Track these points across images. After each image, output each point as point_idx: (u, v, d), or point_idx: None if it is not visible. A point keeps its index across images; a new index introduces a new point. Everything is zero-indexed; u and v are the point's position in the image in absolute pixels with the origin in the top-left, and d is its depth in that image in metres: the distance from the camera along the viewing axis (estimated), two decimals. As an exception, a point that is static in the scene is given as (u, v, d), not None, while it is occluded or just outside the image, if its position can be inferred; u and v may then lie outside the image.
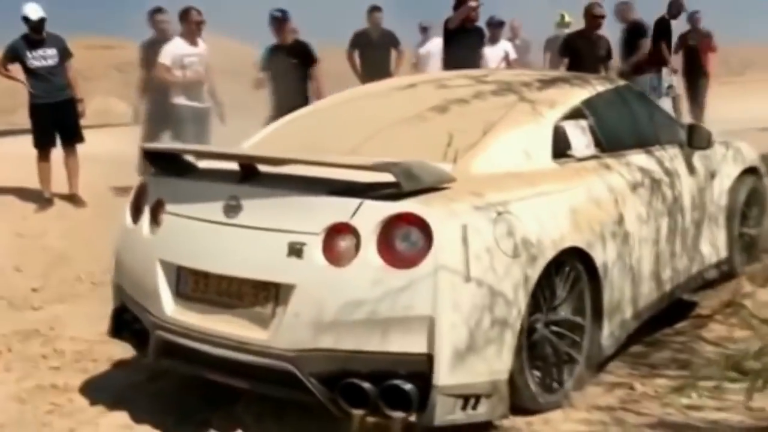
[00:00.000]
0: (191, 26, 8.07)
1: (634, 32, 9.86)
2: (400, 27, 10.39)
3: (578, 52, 8.61)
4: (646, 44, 9.71)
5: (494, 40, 10.01)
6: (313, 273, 3.18)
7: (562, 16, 10.68)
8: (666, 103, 10.11)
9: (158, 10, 8.37)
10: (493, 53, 9.89)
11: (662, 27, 10.76)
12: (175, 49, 8.03)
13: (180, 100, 8.01)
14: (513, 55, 10.09)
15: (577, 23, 10.06)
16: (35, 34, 7.77)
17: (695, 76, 11.15)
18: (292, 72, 8.08)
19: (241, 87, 8.63)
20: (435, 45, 10.71)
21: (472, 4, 8.32)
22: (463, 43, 8.37)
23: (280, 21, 8.24)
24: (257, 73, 8.40)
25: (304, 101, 7.85)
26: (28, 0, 7.75)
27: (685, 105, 11.02)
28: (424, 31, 10.76)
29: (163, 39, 8.28)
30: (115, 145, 8.73)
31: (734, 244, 5.24)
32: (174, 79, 7.96)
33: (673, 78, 10.64)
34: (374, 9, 9.82)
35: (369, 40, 9.76)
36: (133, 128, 8.72)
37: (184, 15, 8.10)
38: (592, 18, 8.70)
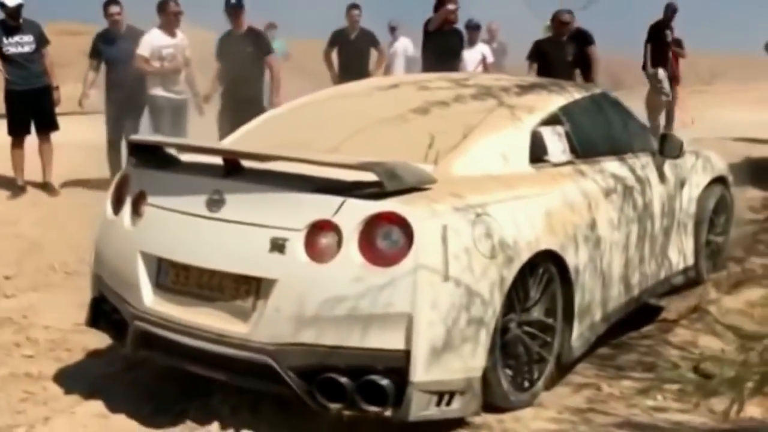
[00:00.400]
0: (169, 17, 8.05)
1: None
2: (379, 26, 10.47)
3: (546, 57, 8.85)
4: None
5: (472, 43, 10.13)
6: (295, 268, 3.23)
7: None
8: None
9: (110, 2, 8.15)
10: (471, 56, 10.01)
11: (654, 30, 11.02)
12: (152, 40, 8.01)
13: (157, 91, 7.99)
14: (490, 59, 10.21)
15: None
16: (12, 21, 7.73)
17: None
18: (246, 61, 7.95)
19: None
20: (401, 45, 10.84)
21: (451, 6, 8.40)
22: (442, 45, 8.44)
23: (235, 8, 8.09)
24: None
25: (258, 91, 7.93)
26: None
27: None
28: (393, 30, 10.84)
29: (116, 31, 8.20)
30: (88, 133, 8.67)
31: (701, 251, 5.36)
32: (152, 70, 7.94)
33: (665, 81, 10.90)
34: (352, 7, 9.77)
35: (347, 39, 9.74)
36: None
37: (163, 6, 8.07)
38: (559, 24, 8.99)
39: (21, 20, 7.77)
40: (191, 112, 8.28)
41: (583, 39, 9.79)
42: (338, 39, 9.80)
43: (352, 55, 9.60)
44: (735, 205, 5.91)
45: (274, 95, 8.01)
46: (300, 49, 11.92)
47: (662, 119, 11.20)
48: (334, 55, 9.85)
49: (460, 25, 9.39)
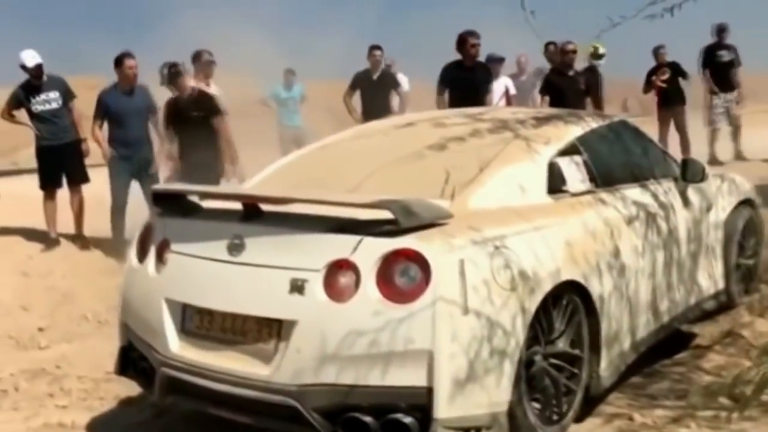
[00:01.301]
0: (203, 66, 8.20)
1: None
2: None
3: (558, 89, 8.97)
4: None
5: (495, 76, 10.15)
6: (315, 309, 3.25)
7: (596, 48, 10.67)
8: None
9: (127, 56, 8.05)
10: (495, 88, 10.03)
11: (706, 54, 11.16)
12: None
13: None
14: (512, 91, 10.20)
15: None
16: (35, 80, 7.91)
17: (673, 105, 11.32)
18: (194, 126, 7.50)
19: (247, 123, 8.71)
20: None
21: (473, 41, 8.35)
22: (469, 80, 8.37)
23: (175, 76, 7.66)
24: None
25: (210, 156, 7.47)
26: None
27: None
28: (388, 67, 10.96)
29: (127, 86, 8.00)
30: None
31: (731, 274, 5.30)
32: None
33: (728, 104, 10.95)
34: (374, 48, 9.79)
35: (369, 80, 9.73)
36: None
37: (197, 56, 8.24)
38: (563, 53, 9.24)
39: (44, 78, 7.95)
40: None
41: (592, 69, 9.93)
42: (360, 81, 9.81)
43: (374, 96, 9.58)
44: (764, 226, 5.83)
45: (225, 161, 7.57)
46: (319, 89, 12.02)
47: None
48: (356, 98, 9.86)
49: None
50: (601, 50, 10.66)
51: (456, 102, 8.00)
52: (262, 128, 11.97)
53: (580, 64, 10.48)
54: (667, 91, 11.29)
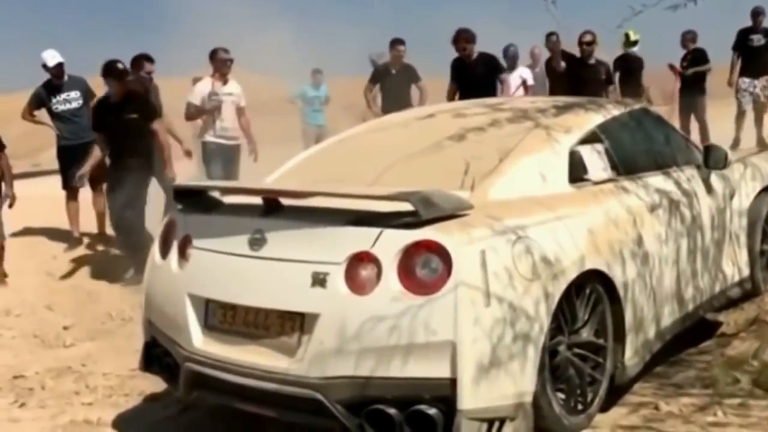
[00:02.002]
0: (219, 64, 8.23)
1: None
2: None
3: (577, 79, 8.97)
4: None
5: (512, 68, 10.11)
6: (337, 302, 3.25)
7: (627, 35, 10.51)
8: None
9: (144, 58, 8.07)
10: (511, 79, 9.99)
11: (738, 38, 11.10)
12: (204, 88, 8.20)
13: (208, 137, 8.18)
14: (530, 81, 10.17)
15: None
16: (56, 80, 7.97)
17: (691, 95, 11.16)
18: (128, 129, 7.04)
19: (270, 120, 8.71)
20: None
21: (463, 44, 8.42)
22: (470, 75, 8.42)
23: (119, 74, 7.16)
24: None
25: (147, 161, 7.13)
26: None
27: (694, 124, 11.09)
28: (374, 64, 10.95)
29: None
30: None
31: (756, 261, 5.24)
32: (204, 118, 8.14)
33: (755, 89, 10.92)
34: (396, 42, 9.70)
35: (389, 74, 9.69)
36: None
37: (213, 54, 8.26)
38: (580, 45, 9.36)
39: (65, 78, 8.01)
40: (245, 157, 8.37)
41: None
42: (380, 74, 9.81)
43: (394, 90, 9.53)
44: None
45: (165, 166, 7.19)
46: (340, 86, 12.04)
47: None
48: (375, 91, 9.87)
49: (498, 52, 9.58)
50: (633, 37, 10.59)
51: (462, 97, 8.05)
52: (286, 126, 12.06)
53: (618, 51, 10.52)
54: (687, 79, 11.16)
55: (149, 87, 8.03)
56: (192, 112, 8.19)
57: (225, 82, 8.26)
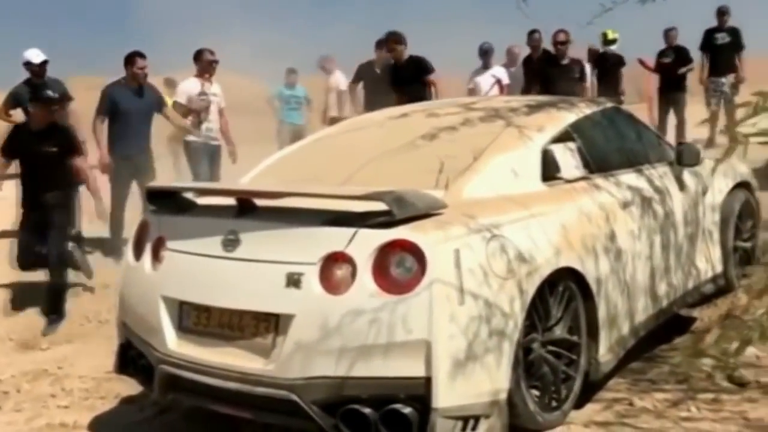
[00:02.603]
0: (204, 65, 8.21)
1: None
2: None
3: (551, 78, 9.10)
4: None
5: (486, 67, 10.14)
6: (311, 302, 3.25)
7: (605, 34, 10.60)
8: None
9: (137, 55, 7.84)
10: (483, 80, 10.02)
11: (704, 37, 11.24)
12: (190, 88, 8.19)
13: (190, 137, 8.17)
14: (505, 80, 10.15)
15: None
16: (37, 79, 7.89)
17: (673, 91, 11.28)
18: (48, 162, 6.42)
19: (250, 120, 8.68)
20: (335, 80, 10.90)
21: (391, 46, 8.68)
22: (401, 76, 8.61)
23: (46, 102, 6.61)
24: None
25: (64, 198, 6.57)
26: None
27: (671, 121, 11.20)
28: (324, 70, 11.01)
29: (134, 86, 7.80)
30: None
31: (729, 258, 5.30)
32: (190, 118, 8.11)
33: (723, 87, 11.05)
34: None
35: (372, 73, 9.61)
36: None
37: (198, 55, 8.23)
38: (554, 44, 9.44)
39: (46, 78, 7.93)
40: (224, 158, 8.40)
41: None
42: (364, 73, 9.74)
43: (378, 89, 9.34)
44: (761, 209, 5.83)
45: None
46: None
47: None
48: (358, 89, 9.83)
49: (474, 49, 9.78)
50: (611, 36, 10.65)
51: (398, 100, 8.02)
52: (263, 126, 12.06)
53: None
54: (669, 77, 11.26)
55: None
56: (183, 112, 8.16)
57: (209, 82, 8.26)
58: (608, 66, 10.55)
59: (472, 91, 9.95)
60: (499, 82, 10.05)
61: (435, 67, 8.84)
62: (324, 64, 11.26)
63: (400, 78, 8.65)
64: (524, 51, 10.47)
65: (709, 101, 11.32)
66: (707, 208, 5.10)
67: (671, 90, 11.26)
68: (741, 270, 5.47)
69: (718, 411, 3.75)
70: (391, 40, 8.74)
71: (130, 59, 7.77)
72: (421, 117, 4.68)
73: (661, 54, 11.45)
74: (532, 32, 10.07)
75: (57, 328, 6.22)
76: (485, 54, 10.18)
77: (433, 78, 8.63)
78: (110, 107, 7.68)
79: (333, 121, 9.43)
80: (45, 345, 5.94)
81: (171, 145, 10.50)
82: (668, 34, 11.38)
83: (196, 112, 8.16)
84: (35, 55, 7.86)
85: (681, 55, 11.35)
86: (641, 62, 11.62)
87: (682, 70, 11.24)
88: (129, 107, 7.70)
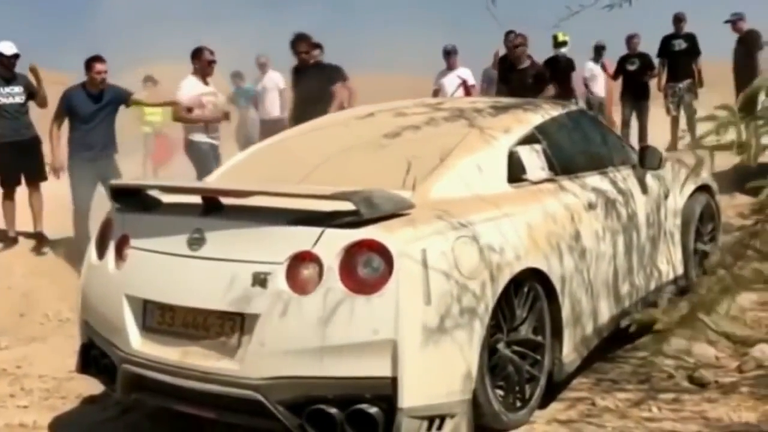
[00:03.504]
0: (203, 65, 8.05)
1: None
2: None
3: (507, 82, 9.17)
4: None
5: (450, 68, 10.14)
6: (278, 302, 3.23)
7: (555, 37, 10.65)
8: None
9: (97, 59, 7.69)
10: (448, 81, 10.02)
11: (662, 44, 11.34)
12: (191, 87, 8.01)
13: (200, 137, 8.00)
14: (471, 81, 10.16)
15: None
16: (6, 71, 7.76)
17: (637, 98, 11.41)
18: None
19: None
20: (269, 80, 10.84)
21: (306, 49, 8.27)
22: (308, 80, 8.15)
23: None
24: None
25: None
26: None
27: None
28: (262, 66, 10.95)
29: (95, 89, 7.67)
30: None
31: (690, 259, 5.38)
32: (196, 118, 7.94)
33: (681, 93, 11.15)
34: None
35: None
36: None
37: (197, 54, 8.05)
38: (509, 48, 9.43)
39: (15, 73, 7.82)
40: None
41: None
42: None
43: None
44: (721, 212, 5.93)
45: None
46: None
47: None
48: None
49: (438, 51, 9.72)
50: (561, 38, 10.72)
51: (296, 101, 8.03)
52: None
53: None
54: (634, 84, 11.36)
55: None
56: (182, 112, 7.94)
57: (207, 83, 8.12)
58: (560, 68, 10.55)
59: (437, 93, 9.95)
60: (464, 83, 10.07)
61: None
62: (264, 61, 11.12)
63: (302, 84, 8.20)
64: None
65: (668, 107, 11.47)
66: (669, 211, 5.17)
67: (636, 97, 11.38)
68: (701, 272, 5.55)
69: (679, 411, 3.81)
70: (303, 43, 8.27)
71: (89, 64, 7.65)
72: (388, 117, 4.68)
73: (625, 60, 11.57)
74: (508, 33, 10.04)
75: None
76: (448, 54, 10.17)
77: (341, 87, 8.17)
78: (68, 111, 7.64)
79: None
80: (4, 344, 5.84)
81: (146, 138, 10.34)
82: (631, 40, 11.49)
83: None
84: (8, 48, 7.74)
85: (645, 62, 11.47)
86: (602, 67, 11.74)
87: (648, 76, 11.36)
88: (86, 111, 7.61)
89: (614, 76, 11.76)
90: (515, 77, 9.15)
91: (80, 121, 7.63)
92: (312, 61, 8.36)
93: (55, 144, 7.66)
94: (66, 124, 7.68)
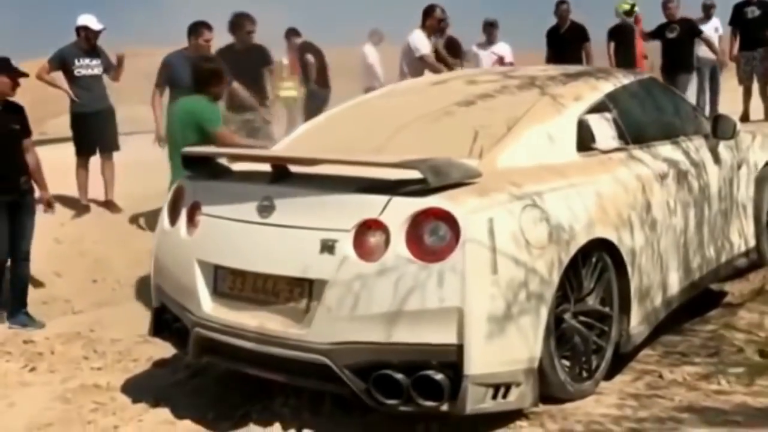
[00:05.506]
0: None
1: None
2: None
3: (556, 47, 9.55)
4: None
5: (490, 42, 9.98)
6: (345, 268, 3.27)
7: (632, 5, 10.35)
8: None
9: (204, 25, 7.35)
10: (485, 55, 9.84)
11: (734, 11, 11.00)
12: None
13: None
14: (509, 58, 9.91)
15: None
16: (86, 44, 7.90)
17: (677, 69, 10.47)
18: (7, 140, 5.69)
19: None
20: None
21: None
22: (242, 63, 7.48)
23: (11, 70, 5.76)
24: None
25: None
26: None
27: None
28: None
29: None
30: (146, 152, 8.84)
31: (763, 233, 5.26)
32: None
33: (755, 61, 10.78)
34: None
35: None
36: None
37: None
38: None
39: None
40: None
41: (581, 35, 9.85)
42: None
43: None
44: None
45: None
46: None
47: None
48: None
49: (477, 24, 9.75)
50: (625, 6, 10.39)
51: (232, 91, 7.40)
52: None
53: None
54: (673, 55, 10.53)
55: None
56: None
57: None
58: (624, 38, 10.20)
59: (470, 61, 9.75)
60: (501, 60, 9.78)
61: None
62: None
63: (239, 62, 7.39)
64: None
65: (740, 76, 11.11)
66: (742, 182, 5.05)
67: (675, 69, 10.41)
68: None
69: (750, 385, 3.74)
70: (247, 22, 7.65)
71: (197, 29, 7.29)
72: (461, 84, 4.65)
73: (664, 28, 10.60)
74: (560, 3, 9.94)
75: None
76: (489, 27, 9.99)
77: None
78: (168, 79, 7.32)
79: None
80: (78, 308, 6.02)
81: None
82: (667, 5, 10.53)
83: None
84: (95, 22, 7.89)
85: (688, 29, 10.57)
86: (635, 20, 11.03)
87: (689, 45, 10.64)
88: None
89: (642, 37, 10.75)
90: (561, 40, 9.57)
91: (181, 90, 6.96)
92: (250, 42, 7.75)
93: (158, 113, 7.36)
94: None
